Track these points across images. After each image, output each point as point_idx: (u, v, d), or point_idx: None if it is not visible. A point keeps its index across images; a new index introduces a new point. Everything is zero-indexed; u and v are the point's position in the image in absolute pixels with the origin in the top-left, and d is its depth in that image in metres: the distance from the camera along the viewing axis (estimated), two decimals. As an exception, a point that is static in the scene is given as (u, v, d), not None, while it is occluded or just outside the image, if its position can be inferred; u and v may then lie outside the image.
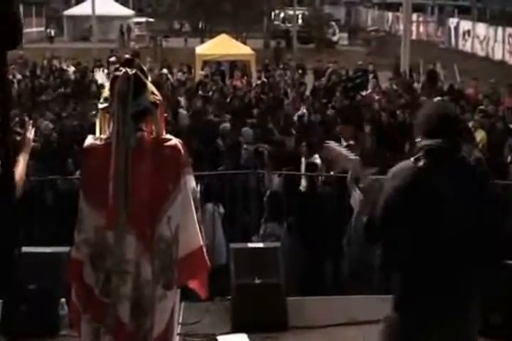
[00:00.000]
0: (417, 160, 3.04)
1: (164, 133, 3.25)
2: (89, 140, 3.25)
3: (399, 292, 3.13)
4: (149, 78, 3.31)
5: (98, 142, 3.21)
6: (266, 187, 7.67)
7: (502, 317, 4.91)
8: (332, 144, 3.43)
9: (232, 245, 5.63)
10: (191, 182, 3.30)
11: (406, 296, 3.10)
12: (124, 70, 3.14)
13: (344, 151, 3.37)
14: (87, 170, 3.26)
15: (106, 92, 3.26)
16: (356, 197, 7.11)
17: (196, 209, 3.31)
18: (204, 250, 3.34)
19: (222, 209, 7.22)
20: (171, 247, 3.19)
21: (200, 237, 3.31)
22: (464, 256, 2.99)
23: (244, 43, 26.15)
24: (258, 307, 5.16)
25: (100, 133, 3.28)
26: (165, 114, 3.38)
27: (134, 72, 3.14)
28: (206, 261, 3.36)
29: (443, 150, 3.02)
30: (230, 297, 5.37)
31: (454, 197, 2.98)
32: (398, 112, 11.74)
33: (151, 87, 3.24)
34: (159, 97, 3.26)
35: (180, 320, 5.18)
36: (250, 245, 5.51)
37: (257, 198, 7.45)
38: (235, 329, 5.12)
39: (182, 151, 3.22)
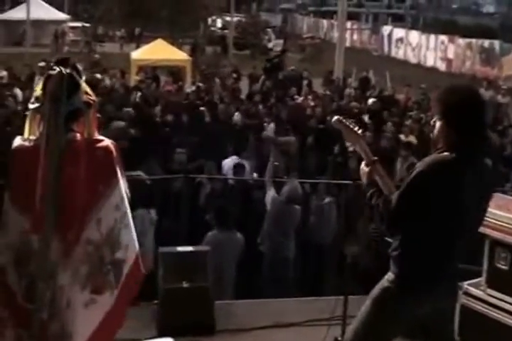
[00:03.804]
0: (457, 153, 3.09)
1: (96, 135, 3.19)
2: (18, 141, 3.15)
3: (405, 269, 3.23)
4: (83, 78, 3.19)
5: (27, 143, 3.12)
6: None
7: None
8: (340, 117, 3.44)
9: (161, 249, 5.60)
10: (124, 185, 3.25)
11: (411, 273, 3.21)
12: (58, 69, 3.06)
13: (352, 126, 3.39)
14: (15, 173, 3.15)
15: (38, 92, 3.15)
16: (270, 195, 7.24)
17: None
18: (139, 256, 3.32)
19: (154, 215, 7.16)
20: (101, 250, 3.12)
21: (136, 242, 3.28)
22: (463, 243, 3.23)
23: (181, 49, 26.12)
24: (185, 311, 5.15)
25: (29, 134, 3.16)
26: (98, 115, 3.31)
27: (68, 71, 3.07)
28: (141, 268, 3.33)
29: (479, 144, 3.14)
30: (157, 301, 5.34)
31: (476, 190, 3.11)
32: (329, 117, 11.89)
33: (85, 86, 3.17)
34: (93, 97, 3.19)
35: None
36: (179, 249, 5.47)
37: (190, 204, 7.46)
38: (162, 334, 5.09)
39: (114, 153, 3.16)
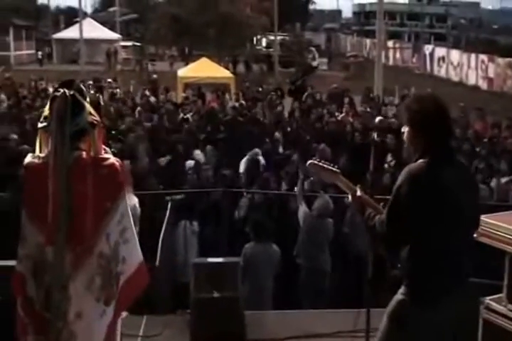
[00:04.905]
0: (434, 160, 3.21)
1: (103, 153, 3.29)
2: (29, 158, 3.27)
3: (414, 280, 3.29)
4: (88, 99, 3.34)
5: (36, 160, 3.24)
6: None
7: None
8: (313, 161, 3.68)
9: (193, 260, 5.80)
10: (131, 201, 3.40)
11: (421, 284, 3.26)
12: (62, 91, 3.18)
13: (326, 166, 3.64)
14: (28, 188, 3.27)
15: (46, 111, 3.27)
16: (302, 211, 7.35)
17: (135, 226, 3.39)
18: (144, 266, 3.43)
19: (196, 227, 7.42)
20: (111, 263, 3.23)
21: (140, 254, 3.40)
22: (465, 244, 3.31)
23: (227, 67, 26.58)
24: (216, 320, 5.29)
25: (40, 152, 3.28)
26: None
27: (71, 92, 3.19)
28: (146, 277, 3.44)
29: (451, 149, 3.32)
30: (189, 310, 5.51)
31: (464, 192, 3.22)
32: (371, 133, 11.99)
33: (89, 107, 3.28)
34: (97, 118, 3.30)
35: (141, 333, 5.35)
36: (210, 260, 5.64)
37: (228, 217, 7.68)
38: (194, 342, 5.26)
39: (120, 170, 3.27)
